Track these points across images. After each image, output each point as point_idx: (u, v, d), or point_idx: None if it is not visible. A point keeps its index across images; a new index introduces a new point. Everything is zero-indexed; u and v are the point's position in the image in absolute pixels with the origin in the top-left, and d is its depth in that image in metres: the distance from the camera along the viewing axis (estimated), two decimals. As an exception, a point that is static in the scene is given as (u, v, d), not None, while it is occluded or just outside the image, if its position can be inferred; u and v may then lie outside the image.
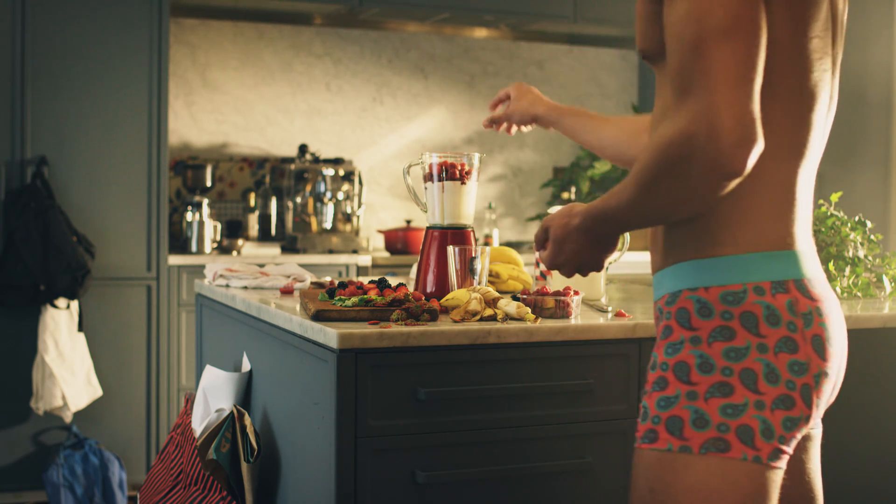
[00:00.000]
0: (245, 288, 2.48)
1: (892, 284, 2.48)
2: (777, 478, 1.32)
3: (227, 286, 2.52)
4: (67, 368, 3.78)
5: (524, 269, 2.44)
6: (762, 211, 1.34)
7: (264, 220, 4.68)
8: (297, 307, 2.07)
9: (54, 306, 3.77)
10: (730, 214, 1.33)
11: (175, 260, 4.10)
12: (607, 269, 2.26)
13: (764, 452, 1.30)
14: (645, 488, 1.36)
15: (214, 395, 2.27)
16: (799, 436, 1.34)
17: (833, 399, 1.42)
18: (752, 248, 1.33)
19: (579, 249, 1.44)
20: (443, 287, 2.19)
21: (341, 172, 4.57)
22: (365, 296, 1.93)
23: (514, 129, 2.25)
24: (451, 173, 2.24)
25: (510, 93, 2.21)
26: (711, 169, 1.21)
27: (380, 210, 5.05)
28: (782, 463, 1.32)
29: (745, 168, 1.21)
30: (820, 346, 1.33)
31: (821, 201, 2.49)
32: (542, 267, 2.43)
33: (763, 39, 1.24)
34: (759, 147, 1.21)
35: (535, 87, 2.13)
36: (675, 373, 1.34)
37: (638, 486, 1.38)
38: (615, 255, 2.06)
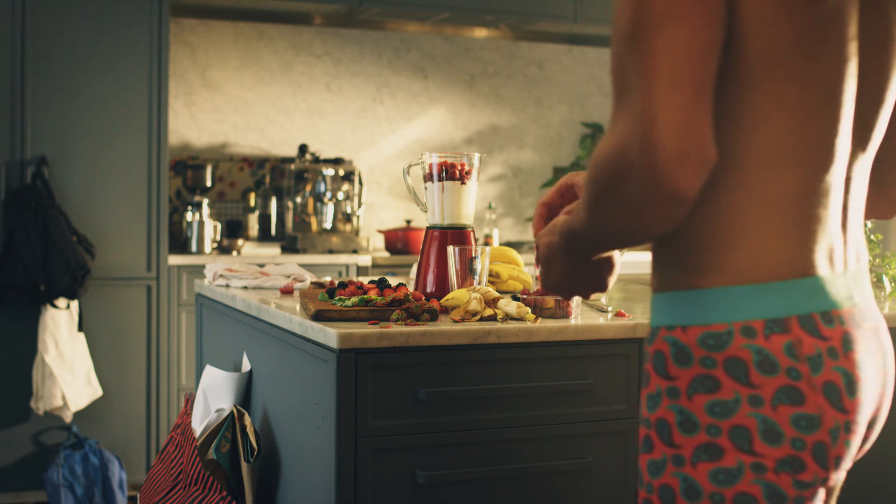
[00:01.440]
0: (245, 288, 2.48)
1: (892, 284, 2.48)
2: None
3: (227, 286, 2.52)
4: (67, 368, 3.78)
5: (524, 269, 2.44)
6: (759, 232, 1.09)
7: (264, 220, 4.68)
8: (297, 307, 2.07)
9: (54, 306, 3.77)
10: (715, 236, 1.10)
11: (175, 260, 4.10)
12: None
13: None
14: None
15: (214, 395, 2.27)
16: (821, 494, 1.11)
17: (872, 442, 1.20)
18: (741, 278, 1.08)
19: (565, 271, 1.22)
20: (443, 287, 2.19)
21: (341, 172, 4.57)
22: (365, 296, 1.93)
23: None
24: (451, 173, 2.24)
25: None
26: (646, 190, 0.99)
27: (380, 210, 5.05)
28: None
29: (690, 189, 0.99)
30: (835, 394, 1.08)
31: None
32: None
33: (717, 18, 1.00)
34: (705, 162, 0.99)
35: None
36: (657, 432, 1.12)
37: None
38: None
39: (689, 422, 1.09)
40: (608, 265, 1.24)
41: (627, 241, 1.10)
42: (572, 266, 1.21)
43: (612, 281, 1.27)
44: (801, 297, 1.09)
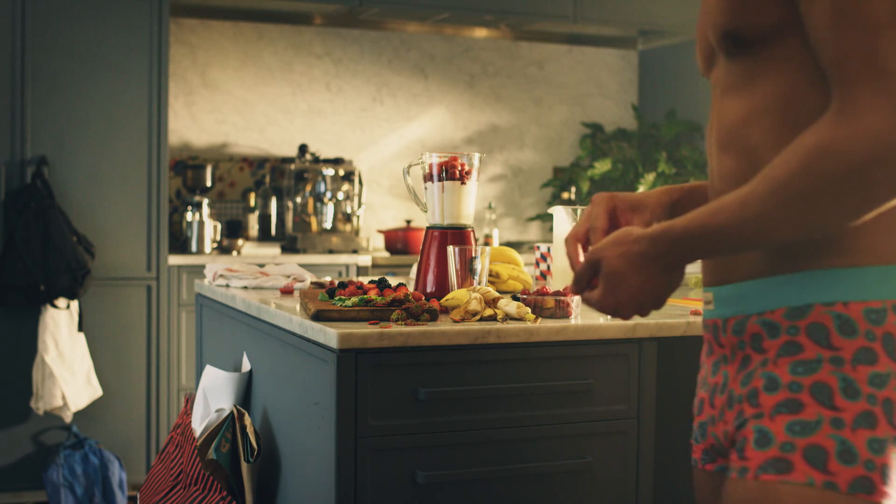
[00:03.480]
0: (245, 288, 2.48)
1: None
2: None
3: (227, 286, 2.52)
4: (67, 368, 3.78)
5: (524, 269, 2.44)
6: (893, 216, 1.16)
7: (264, 220, 4.68)
8: (297, 307, 2.07)
9: (54, 306, 3.77)
10: (868, 220, 1.13)
11: (175, 260, 4.10)
12: None
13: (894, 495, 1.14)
14: None
15: (214, 395, 2.27)
16: None
17: None
18: (890, 258, 1.15)
19: (645, 282, 1.19)
20: (443, 287, 2.19)
21: (341, 172, 4.57)
22: (365, 296, 1.93)
23: None
24: (451, 173, 2.23)
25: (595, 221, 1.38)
26: None
27: (380, 210, 5.05)
28: None
29: None
30: None
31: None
32: (543, 267, 2.43)
33: None
34: None
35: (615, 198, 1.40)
36: (813, 395, 1.14)
37: None
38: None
39: (852, 388, 1.13)
40: (682, 275, 1.22)
41: (824, 230, 1.11)
42: (655, 275, 1.19)
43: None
44: None
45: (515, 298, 1.99)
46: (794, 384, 1.15)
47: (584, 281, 1.24)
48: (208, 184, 4.48)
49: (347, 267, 4.38)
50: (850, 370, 1.13)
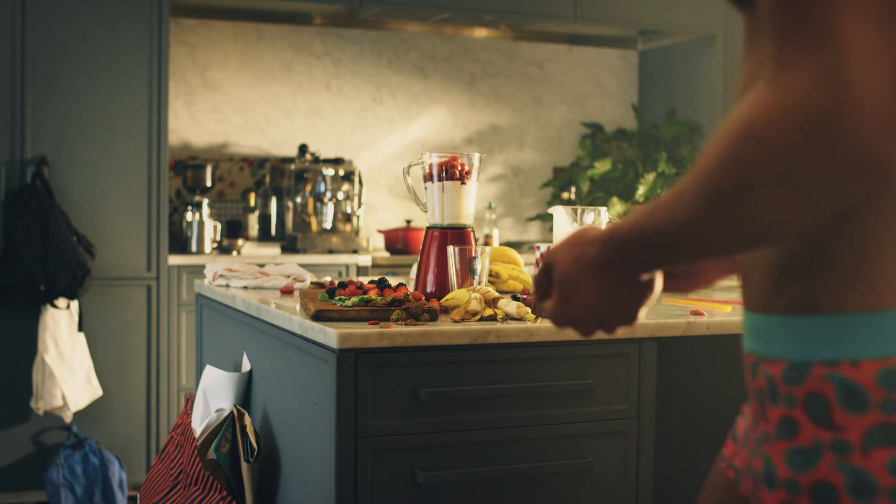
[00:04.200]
0: (245, 288, 2.48)
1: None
2: None
3: (227, 286, 2.52)
4: (67, 368, 3.78)
5: (524, 269, 2.44)
6: None
7: (264, 220, 4.68)
8: (297, 307, 2.07)
9: (54, 306, 3.77)
10: (891, 243, 0.85)
11: (175, 260, 4.10)
12: None
13: None
14: None
15: (214, 395, 2.27)
16: None
17: None
18: None
19: (602, 293, 0.97)
20: (443, 287, 2.19)
21: (341, 172, 4.57)
22: (365, 296, 1.93)
23: None
24: (451, 173, 2.23)
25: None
26: (847, 159, 0.75)
27: (380, 210, 5.05)
28: None
29: None
30: None
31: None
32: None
33: None
34: None
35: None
36: (814, 499, 0.86)
37: None
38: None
39: (864, 485, 0.83)
40: (651, 287, 0.99)
41: (766, 238, 0.83)
42: (611, 287, 0.96)
43: (645, 310, 1.01)
44: None
45: (515, 298, 1.99)
46: (791, 483, 0.88)
47: (542, 288, 1.03)
48: (208, 184, 4.48)
49: (347, 267, 4.38)
50: (860, 459, 0.83)
